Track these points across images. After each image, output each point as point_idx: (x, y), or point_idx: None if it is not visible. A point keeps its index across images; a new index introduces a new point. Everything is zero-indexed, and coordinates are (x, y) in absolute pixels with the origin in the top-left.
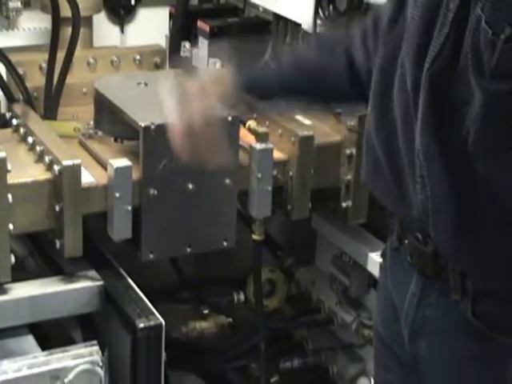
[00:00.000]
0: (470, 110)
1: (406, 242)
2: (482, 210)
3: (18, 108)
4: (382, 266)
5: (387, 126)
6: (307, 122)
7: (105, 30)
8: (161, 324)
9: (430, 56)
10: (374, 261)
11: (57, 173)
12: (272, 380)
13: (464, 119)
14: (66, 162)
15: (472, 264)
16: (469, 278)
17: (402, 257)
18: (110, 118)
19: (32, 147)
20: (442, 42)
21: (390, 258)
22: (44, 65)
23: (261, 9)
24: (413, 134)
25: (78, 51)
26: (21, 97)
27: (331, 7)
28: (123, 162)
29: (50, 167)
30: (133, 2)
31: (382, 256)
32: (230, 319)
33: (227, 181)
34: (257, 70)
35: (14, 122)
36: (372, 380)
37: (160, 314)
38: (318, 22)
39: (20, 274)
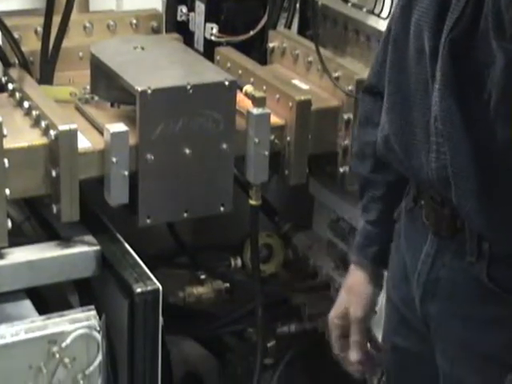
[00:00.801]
0: (492, 73)
1: (423, 202)
2: (504, 173)
3: (13, 72)
4: (396, 228)
5: (400, 103)
6: (305, 86)
7: None
8: (158, 289)
9: (449, 22)
10: None
11: (53, 138)
12: (269, 345)
13: (486, 83)
14: (63, 127)
15: (491, 228)
16: (485, 240)
17: (416, 218)
18: (106, 83)
19: (28, 112)
20: (462, 6)
21: (405, 219)
22: (40, 29)
23: None
24: (429, 104)
25: (74, 15)
26: (16, 61)
27: None
28: (120, 126)
29: (46, 132)
30: None
31: (397, 218)
32: (227, 284)
33: (224, 146)
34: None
35: (10, 86)
36: (368, 344)
37: (157, 279)
38: None
39: (17, 239)
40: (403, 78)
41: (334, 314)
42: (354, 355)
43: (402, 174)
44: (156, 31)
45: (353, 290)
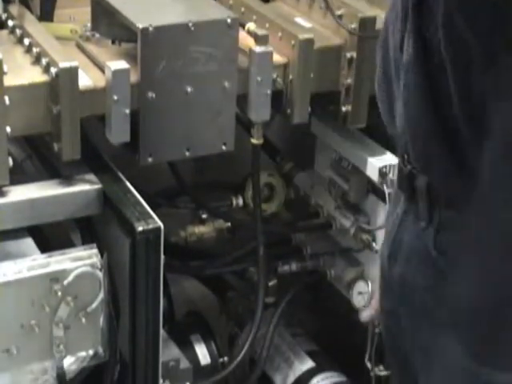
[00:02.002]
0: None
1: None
2: (452, 121)
3: (13, 9)
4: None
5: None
6: (307, 25)
7: None
8: (159, 227)
9: None
10: (373, 166)
11: (54, 75)
12: (270, 284)
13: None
14: (63, 64)
15: (438, 178)
16: (436, 204)
17: (397, 176)
18: (107, 20)
19: (28, 49)
20: None
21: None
22: None
23: None
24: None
25: None
26: None
27: None
28: (121, 64)
29: (46, 69)
30: None
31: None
32: (229, 224)
33: (226, 84)
34: None
35: (10, 23)
36: (370, 283)
37: (158, 218)
38: None
39: (18, 177)
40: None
41: None
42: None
43: None
44: None
45: None
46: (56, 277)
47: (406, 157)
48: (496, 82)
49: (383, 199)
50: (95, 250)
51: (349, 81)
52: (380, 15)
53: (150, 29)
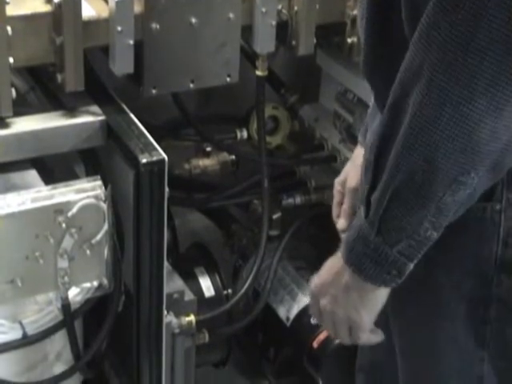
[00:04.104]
0: None
1: None
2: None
3: None
4: None
5: None
6: None
7: None
8: (163, 159)
9: None
10: None
11: (57, 5)
12: (274, 216)
13: None
14: None
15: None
16: None
17: None
18: None
19: None
20: None
21: None
22: None
23: None
24: None
25: None
26: None
27: None
28: None
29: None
30: None
31: None
32: (233, 156)
33: (231, 15)
34: None
35: None
36: None
37: (163, 150)
38: None
39: (21, 108)
40: None
41: (337, 180)
42: (341, 223)
43: None
44: None
45: (354, 161)
46: (60, 208)
47: None
48: None
49: None
50: (99, 182)
51: (355, 12)
52: None
53: None
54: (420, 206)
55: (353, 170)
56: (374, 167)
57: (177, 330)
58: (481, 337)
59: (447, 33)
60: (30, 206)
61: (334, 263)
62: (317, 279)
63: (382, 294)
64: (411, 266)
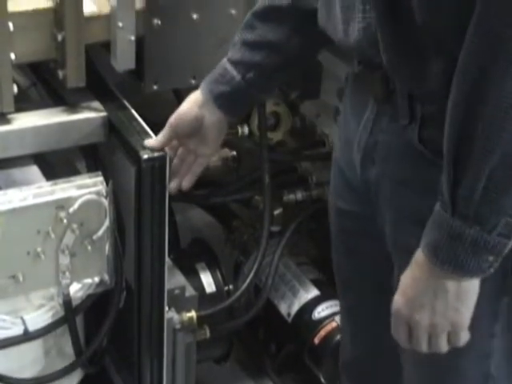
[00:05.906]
0: None
1: (361, 67)
2: (419, 29)
3: None
4: (344, 91)
5: None
6: None
7: None
8: (165, 155)
9: None
10: None
11: (58, 1)
12: (275, 212)
13: None
14: None
15: (416, 83)
16: (416, 101)
17: (360, 83)
18: None
19: None
20: None
21: (351, 84)
22: None
23: None
24: None
25: None
26: None
27: None
28: None
29: None
30: None
31: (345, 81)
32: (234, 152)
33: (233, 11)
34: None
35: None
36: None
37: None
38: None
39: (23, 104)
40: None
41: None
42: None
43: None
44: None
45: (185, 101)
46: (61, 204)
47: (369, 62)
48: None
49: None
50: (100, 178)
51: None
52: None
53: None
54: None
55: (179, 109)
56: (454, 163)
57: (178, 326)
58: (495, 309)
59: None
60: (31, 201)
61: (416, 275)
62: (402, 298)
63: (476, 284)
64: (510, 243)
